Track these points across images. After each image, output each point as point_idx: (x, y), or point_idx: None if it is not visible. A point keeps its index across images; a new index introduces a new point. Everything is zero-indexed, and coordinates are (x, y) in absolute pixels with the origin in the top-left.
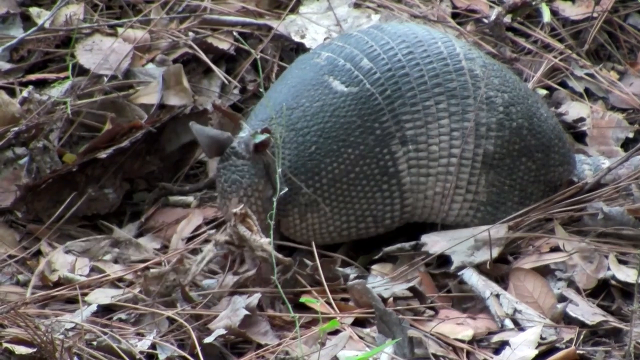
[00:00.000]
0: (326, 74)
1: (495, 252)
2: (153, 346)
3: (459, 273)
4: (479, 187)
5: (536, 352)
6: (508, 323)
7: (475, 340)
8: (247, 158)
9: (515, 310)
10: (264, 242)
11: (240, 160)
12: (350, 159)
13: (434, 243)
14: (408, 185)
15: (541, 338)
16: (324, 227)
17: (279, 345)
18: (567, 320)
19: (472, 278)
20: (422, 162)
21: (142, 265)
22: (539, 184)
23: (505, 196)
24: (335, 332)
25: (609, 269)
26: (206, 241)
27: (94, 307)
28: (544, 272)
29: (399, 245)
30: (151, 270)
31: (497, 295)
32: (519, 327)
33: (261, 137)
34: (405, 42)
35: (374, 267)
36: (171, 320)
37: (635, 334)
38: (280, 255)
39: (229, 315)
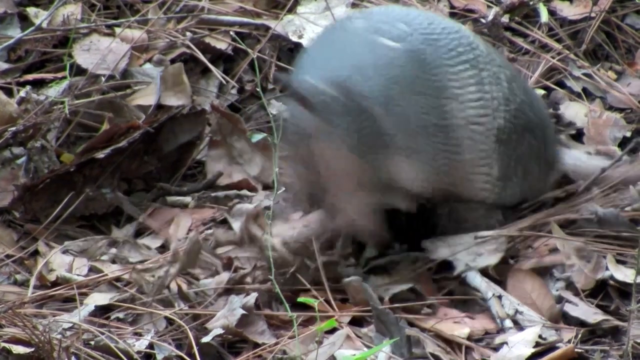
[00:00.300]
0: (372, 34)
1: (498, 256)
2: (150, 346)
3: (463, 275)
4: (493, 161)
5: (533, 350)
6: (508, 323)
7: (473, 339)
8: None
9: (517, 312)
10: (276, 242)
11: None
12: (418, 109)
13: (436, 248)
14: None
15: (541, 338)
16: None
17: (276, 344)
18: (566, 320)
19: (476, 279)
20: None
21: (136, 264)
22: (539, 160)
23: (512, 171)
24: (332, 331)
25: (607, 269)
26: (205, 240)
27: (91, 307)
28: (543, 273)
29: (404, 254)
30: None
31: (499, 297)
32: (519, 327)
33: None
34: (422, 16)
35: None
36: (168, 320)
37: (633, 333)
38: (289, 256)
39: (225, 314)
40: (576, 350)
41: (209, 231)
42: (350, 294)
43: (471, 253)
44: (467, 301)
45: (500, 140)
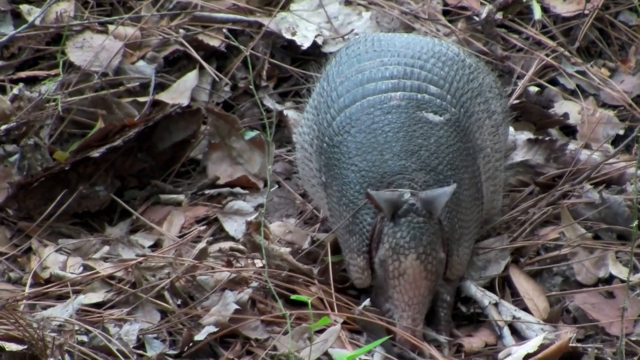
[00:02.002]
0: (413, 109)
1: (502, 265)
2: (143, 343)
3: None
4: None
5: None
6: (507, 333)
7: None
8: (426, 216)
9: (514, 317)
10: (284, 251)
11: (420, 218)
12: (466, 183)
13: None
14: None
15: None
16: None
17: (268, 340)
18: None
19: (471, 289)
20: (487, 166)
21: (134, 262)
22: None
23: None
24: (323, 330)
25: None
26: (198, 237)
27: (82, 300)
28: (542, 267)
29: None
30: (144, 262)
31: (496, 304)
32: (518, 334)
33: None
34: (432, 53)
35: None
36: (162, 316)
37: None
38: (300, 265)
39: (219, 310)
40: (570, 345)
41: (202, 228)
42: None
43: (476, 270)
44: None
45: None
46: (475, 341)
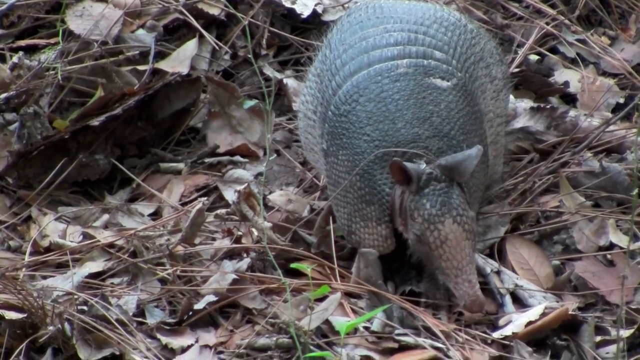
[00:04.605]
0: (421, 76)
1: (502, 231)
2: (143, 311)
3: None
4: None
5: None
6: (508, 301)
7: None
8: (446, 181)
9: (516, 285)
10: (265, 226)
11: (442, 184)
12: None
13: None
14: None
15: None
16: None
17: (267, 308)
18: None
19: None
20: (490, 130)
21: (133, 230)
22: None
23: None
24: (323, 298)
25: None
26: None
27: (84, 272)
28: (542, 235)
29: None
30: (142, 231)
31: (498, 272)
32: (520, 302)
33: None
34: (434, 18)
35: None
36: (162, 285)
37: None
38: (277, 238)
39: (218, 279)
40: (570, 313)
41: (203, 198)
42: (359, 264)
43: (477, 235)
44: None
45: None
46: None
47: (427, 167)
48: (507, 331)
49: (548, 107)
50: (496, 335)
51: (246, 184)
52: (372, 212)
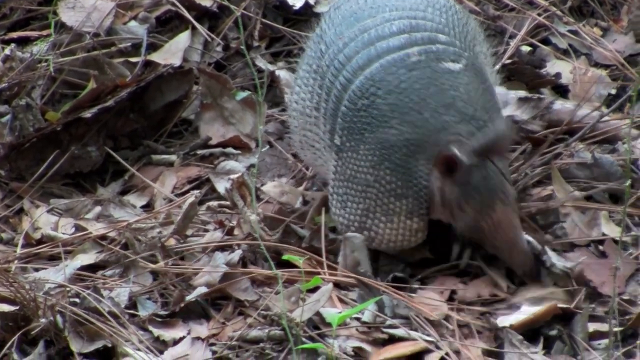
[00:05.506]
0: (434, 62)
1: None
2: (135, 303)
3: None
4: None
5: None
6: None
7: (465, 302)
8: (484, 163)
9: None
10: (253, 219)
11: (482, 169)
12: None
13: None
14: None
15: None
16: None
17: (259, 300)
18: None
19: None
20: None
21: (125, 223)
22: None
23: None
24: (315, 289)
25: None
26: None
27: (77, 264)
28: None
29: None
30: (135, 224)
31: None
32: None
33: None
34: (426, 2)
35: None
36: (154, 277)
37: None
38: (265, 233)
39: (209, 271)
40: (560, 306)
41: (195, 191)
42: (345, 250)
43: None
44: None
45: None
46: (469, 290)
47: (464, 155)
48: (505, 322)
49: (535, 97)
50: (492, 324)
51: (240, 173)
52: (402, 205)
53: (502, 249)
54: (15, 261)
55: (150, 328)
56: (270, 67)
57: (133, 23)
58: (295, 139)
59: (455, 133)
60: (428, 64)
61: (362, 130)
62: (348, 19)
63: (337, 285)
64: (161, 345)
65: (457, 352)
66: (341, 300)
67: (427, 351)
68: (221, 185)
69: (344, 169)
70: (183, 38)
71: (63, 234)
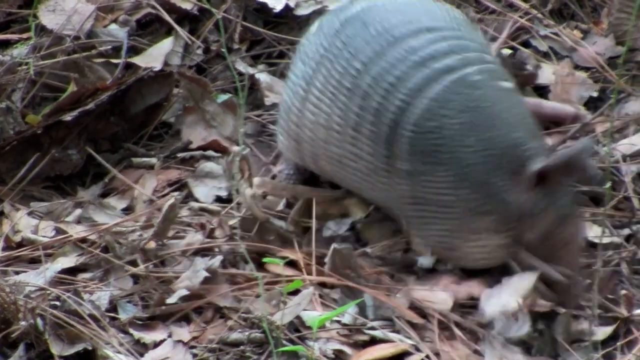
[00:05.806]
0: (492, 81)
1: None
2: (115, 306)
3: None
4: None
5: None
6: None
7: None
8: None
9: None
10: (248, 193)
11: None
12: None
13: None
14: None
15: None
16: None
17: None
18: None
19: None
20: None
21: (106, 225)
22: None
23: None
24: (296, 292)
25: None
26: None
27: (57, 268)
28: None
29: None
30: (115, 227)
31: None
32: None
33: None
34: (446, 16)
35: None
36: (135, 280)
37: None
38: (258, 210)
39: (189, 276)
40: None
41: (175, 193)
42: (333, 262)
43: None
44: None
45: None
46: (461, 290)
47: (552, 168)
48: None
49: None
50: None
51: (243, 147)
52: (487, 222)
53: (569, 260)
54: None
55: (131, 331)
56: (251, 70)
57: (113, 26)
58: (306, 148)
59: (528, 149)
60: (487, 83)
61: (435, 152)
62: (384, 35)
63: (322, 284)
64: (142, 348)
65: (437, 354)
66: (323, 303)
67: (407, 353)
68: (199, 191)
69: (422, 194)
70: (167, 44)
71: (43, 237)
